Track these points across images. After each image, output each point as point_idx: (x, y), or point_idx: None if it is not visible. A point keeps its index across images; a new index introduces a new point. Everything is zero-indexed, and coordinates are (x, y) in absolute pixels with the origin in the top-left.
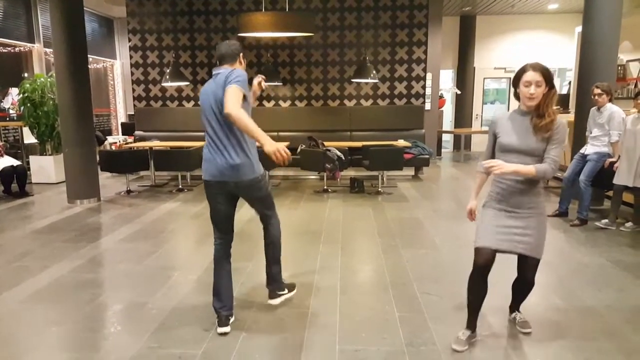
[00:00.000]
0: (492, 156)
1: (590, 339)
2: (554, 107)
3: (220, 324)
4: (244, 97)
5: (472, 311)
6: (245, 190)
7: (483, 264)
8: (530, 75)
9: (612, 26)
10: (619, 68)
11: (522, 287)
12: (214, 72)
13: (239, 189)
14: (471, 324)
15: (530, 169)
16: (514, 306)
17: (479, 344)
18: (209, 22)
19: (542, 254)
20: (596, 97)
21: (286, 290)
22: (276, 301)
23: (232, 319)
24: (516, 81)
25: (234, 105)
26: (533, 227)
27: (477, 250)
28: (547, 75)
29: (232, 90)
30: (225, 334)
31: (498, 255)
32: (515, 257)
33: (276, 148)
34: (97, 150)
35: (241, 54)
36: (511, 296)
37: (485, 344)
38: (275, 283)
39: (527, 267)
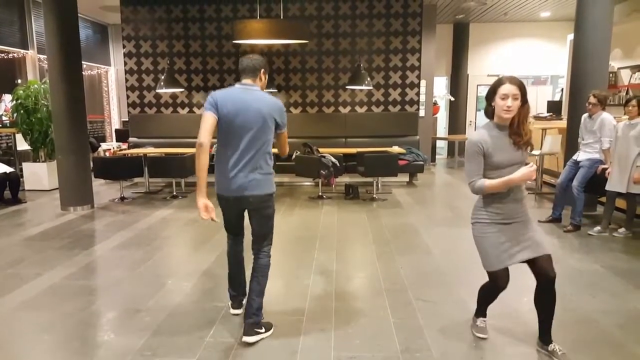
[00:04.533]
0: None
1: (584, 345)
2: (528, 122)
3: (234, 307)
4: None
5: (484, 305)
6: (259, 204)
7: (503, 285)
8: (507, 88)
9: (603, 34)
10: (611, 75)
11: (547, 294)
12: (243, 84)
13: (254, 203)
14: (483, 313)
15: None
16: (545, 331)
17: (470, 347)
18: (204, 29)
19: (548, 248)
20: (590, 106)
21: (264, 329)
22: (253, 338)
23: (244, 301)
24: (491, 94)
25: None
26: (530, 228)
27: (494, 274)
28: (523, 89)
29: (286, 138)
30: (237, 314)
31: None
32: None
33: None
34: (90, 157)
35: (262, 70)
36: (538, 319)
37: (478, 349)
38: (255, 317)
39: (544, 266)
